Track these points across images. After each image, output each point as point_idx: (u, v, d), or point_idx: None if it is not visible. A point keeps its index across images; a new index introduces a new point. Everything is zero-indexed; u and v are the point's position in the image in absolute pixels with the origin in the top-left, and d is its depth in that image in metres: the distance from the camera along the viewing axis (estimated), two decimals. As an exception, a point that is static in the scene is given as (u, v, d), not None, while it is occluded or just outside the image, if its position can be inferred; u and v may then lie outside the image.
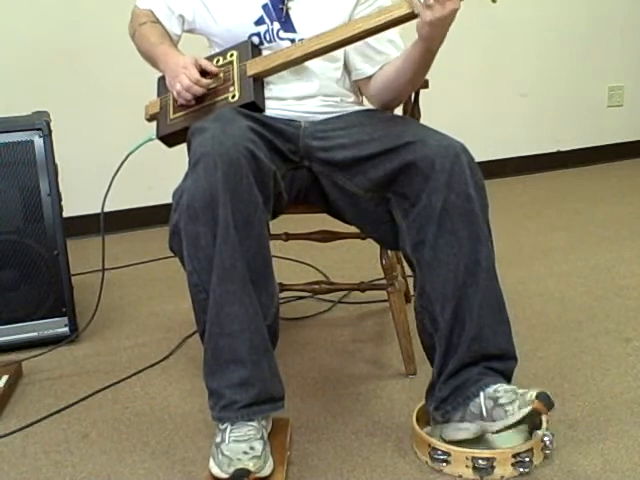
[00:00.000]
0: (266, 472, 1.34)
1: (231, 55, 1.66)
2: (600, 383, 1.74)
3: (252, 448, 1.35)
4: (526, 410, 1.34)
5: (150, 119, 1.77)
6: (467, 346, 1.42)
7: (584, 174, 3.92)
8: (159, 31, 1.76)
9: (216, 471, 1.34)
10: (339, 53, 1.69)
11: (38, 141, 1.97)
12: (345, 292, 2.29)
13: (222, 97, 1.62)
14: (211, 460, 1.37)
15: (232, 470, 1.31)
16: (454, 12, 1.40)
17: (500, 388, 1.40)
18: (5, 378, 1.78)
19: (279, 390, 1.45)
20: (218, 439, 1.39)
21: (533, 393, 1.36)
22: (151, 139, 1.73)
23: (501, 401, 1.37)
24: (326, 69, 1.70)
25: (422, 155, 1.45)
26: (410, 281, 1.72)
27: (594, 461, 1.44)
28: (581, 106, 4.02)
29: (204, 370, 1.44)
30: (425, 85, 1.86)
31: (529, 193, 3.60)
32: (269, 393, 1.42)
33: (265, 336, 1.42)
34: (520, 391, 1.39)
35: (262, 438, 1.38)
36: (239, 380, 1.39)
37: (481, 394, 1.41)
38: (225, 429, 1.39)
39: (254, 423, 1.39)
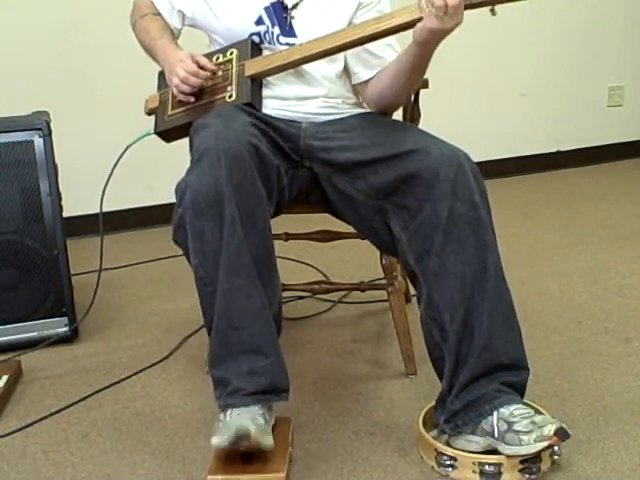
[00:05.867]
0: (266, 443, 1.34)
1: (231, 53, 1.67)
2: (600, 383, 1.74)
3: (254, 421, 1.35)
4: (542, 445, 1.33)
5: (149, 113, 1.77)
6: (477, 355, 1.41)
7: (584, 174, 3.92)
8: (159, 24, 1.76)
9: (217, 440, 1.32)
10: (340, 54, 1.68)
11: (38, 141, 1.97)
12: (345, 292, 2.29)
13: (220, 96, 1.63)
14: (213, 437, 1.34)
15: (233, 433, 1.31)
16: (457, 26, 1.41)
17: (516, 412, 1.38)
18: (5, 378, 1.78)
19: (285, 382, 1.46)
20: (221, 417, 1.39)
21: (552, 428, 1.33)
22: (149, 133, 1.73)
23: (516, 427, 1.35)
24: (328, 71, 1.70)
25: (425, 165, 1.44)
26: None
27: (594, 461, 1.44)
28: (581, 106, 4.02)
29: (210, 360, 1.44)
30: (425, 85, 1.86)
31: (529, 193, 3.60)
32: (275, 384, 1.43)
33: (273, 328, 1.44)
34: (538, 420, 1.36)
35: (264, 418, 1.38)
36: (248, 369, 1.40)
37: (494, 413, 1.39)
38: (227, 410, 1.39)
39: (258, 406, 1.39)
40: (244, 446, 1.32)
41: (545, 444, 1.33)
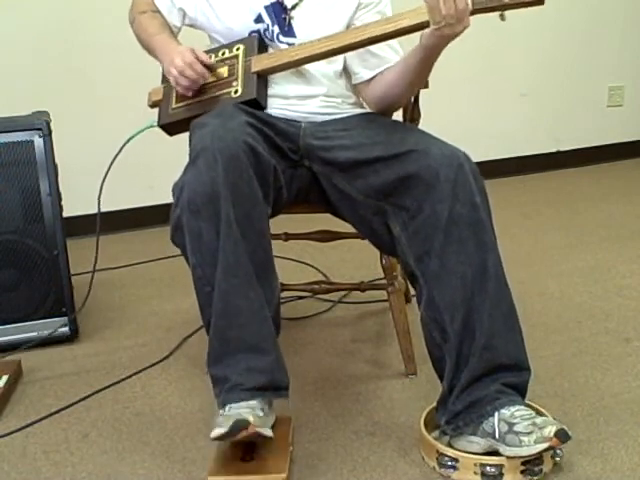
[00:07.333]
0: (265, 432, 1.34)
1: (237, 49, 1.66)
2: (600, 383, 1.74)
3: (253, 413, 1.35)
4: (543, 446, 1.32)
5: (152, 106, 1.77)
6: (478, 356, 1.40)
7: (584, 174, 3.92)
8: (159, 21, 1.76)
9: (216, 432, 1.31)
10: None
11: (38, 141, 1.97)
12: (345, 292, 2.29)
13: (225, 91, 1.62)
14: (212, 431, 1.33)
15: (232, 423, 1.30)
16: (465, 29, 1.41)
17: (517, 413, 1.38)
18: (5, 378, 1.78)
19: (284, 379, 1.46)
20: (220, 412, 1.39)
21: (552, 429, 1.32)
22: (152, 126, 1.73)
23: (517, 428, 1.35)
24: (327, 70, 1.70)
25: (425, 165, 1.44)
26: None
27: (594, 461, 1.44)
28: (581, 106, 4.02)
29: (209, 359, 1.44)
30: (425, 85, 1.86)
31: (529, 193, 3.60)
32: (274, 381, 1.43)
33: (271, 327, 1.44)
34: (538, 421, 1.35)
35: (264, 411, 1.39)
36: (246, 367, 1.40)
37: (496, 414, 1.39)
38: (227, 405, 1.39)
39: (256, 400, 1.40)
40: (242, 436, 1.31)
41: (545, 445, 1.32)
